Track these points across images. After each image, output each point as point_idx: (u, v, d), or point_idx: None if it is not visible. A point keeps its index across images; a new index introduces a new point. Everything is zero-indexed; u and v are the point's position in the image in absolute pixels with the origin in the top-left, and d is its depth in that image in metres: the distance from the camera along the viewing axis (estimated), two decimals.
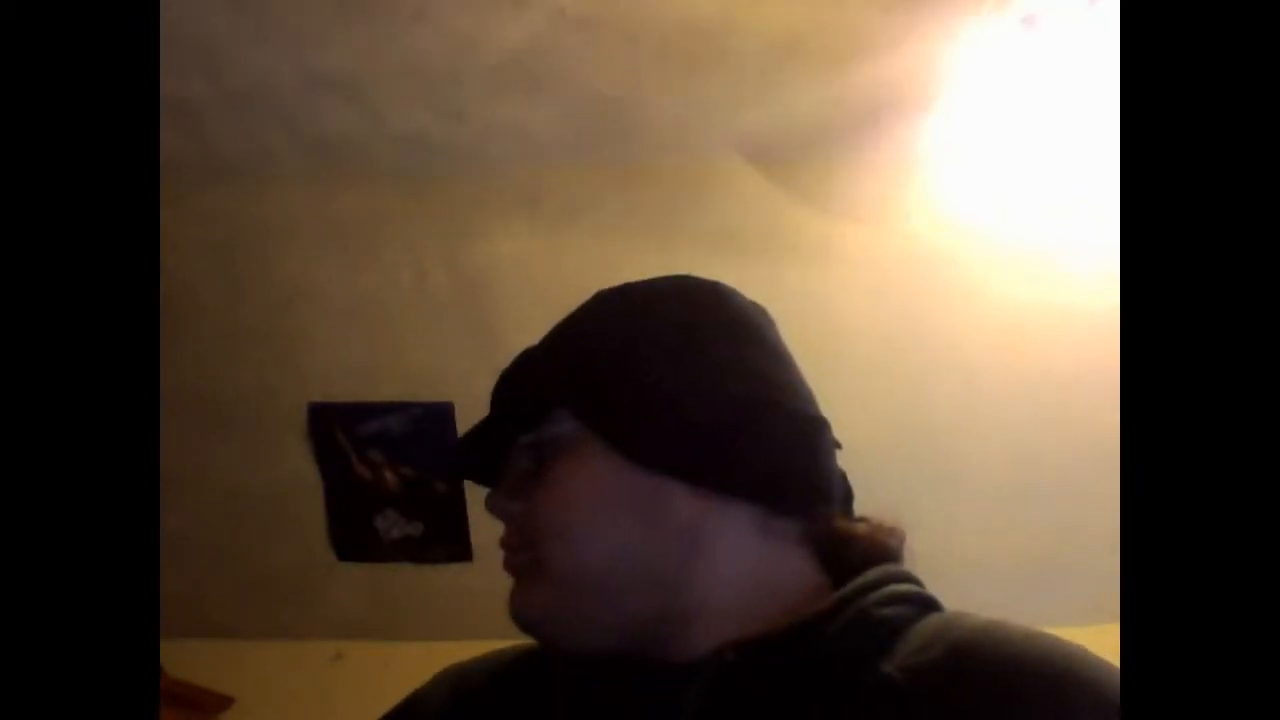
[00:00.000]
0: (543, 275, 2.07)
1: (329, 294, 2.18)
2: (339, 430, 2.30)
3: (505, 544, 0.68)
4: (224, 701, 2.49)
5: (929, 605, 0.65)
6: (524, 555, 0.66)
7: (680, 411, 0.64)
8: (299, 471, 2.37)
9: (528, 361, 0.70)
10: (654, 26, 1.63)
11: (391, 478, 2.38)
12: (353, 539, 2.46)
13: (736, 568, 0.65)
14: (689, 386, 0.65)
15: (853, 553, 0.67)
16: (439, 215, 2.07)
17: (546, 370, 0.68)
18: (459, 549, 2.45)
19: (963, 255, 2.02)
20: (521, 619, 0.66)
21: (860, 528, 0.68)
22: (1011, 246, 2.00)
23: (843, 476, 0.71)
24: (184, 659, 2.30)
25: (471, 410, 2.33)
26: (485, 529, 2.67)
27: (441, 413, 2.26)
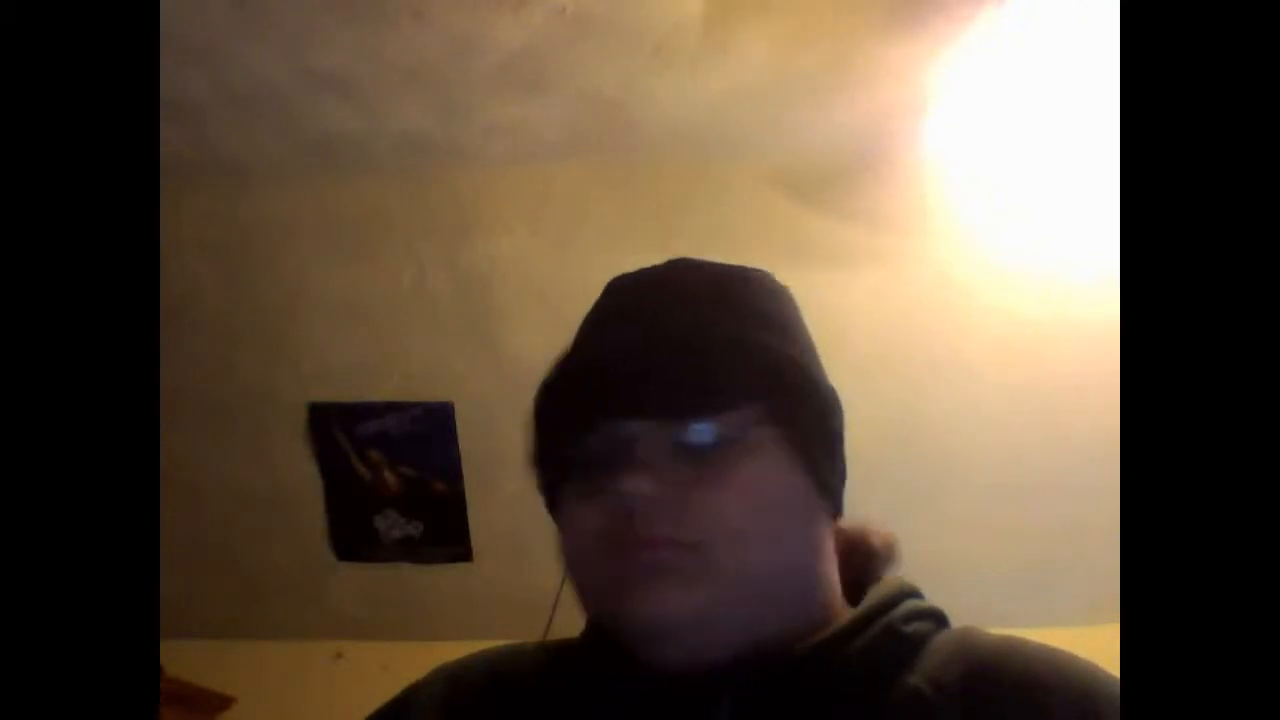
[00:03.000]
0: (543, 275, 2.07)
1: (329, 294, 2.18)
2: (339, 430, 2.30)
3: (649, 538, 0.61)
4: (224, 701, 2.49)
5: (941, 620, 0.66)
6: (682, 553, 0.60)
7: (830, 416, 0.65)
8: (299, 471, 2.37)
9: (685, 345, 0.63)
10: (654, 26, 1.63)
11: (391, 478, 2.38)
12: (353, 539, 2.46)
13: (829, 581, 0.65)
14: (829, 389, 0.66)
15: (863, 561, 0.67)
16: (439, 215, 2.07)
17: (743, 364, 0.62)
18: (459, 549, 2.45)
19: (963, 255, 2.02)
20: (667, 620, 0.59)
21: (873, 537, 0.69)
22: (1013, 246, 2.00)
23: None
24: (184, 659, 2.29)
25: (471, 410, 2.34)
26: (485, 529, 2.67)
27: (441, 413, 2.26)
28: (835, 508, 0.66)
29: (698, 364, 0.62)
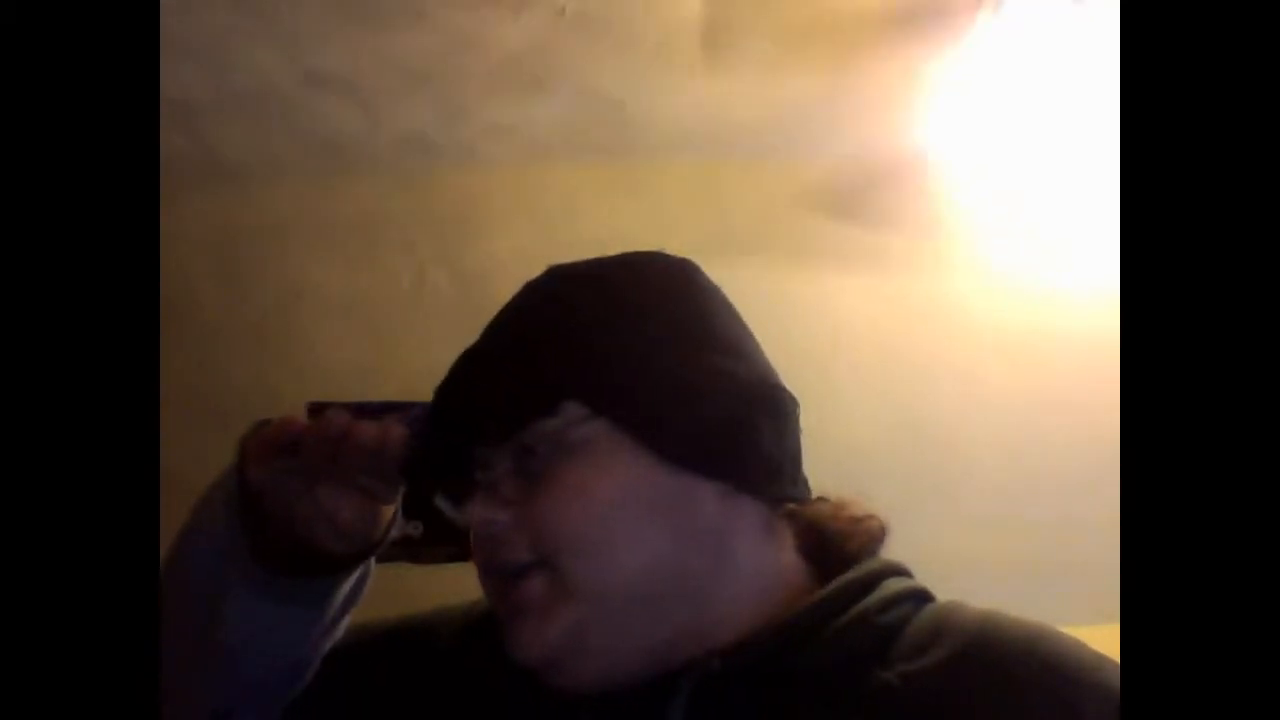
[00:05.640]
0: None
1: (329, 294, 2.17)
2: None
3: (499, 568, 0.59)
4: None
5: (923, 598, 0.62)
6: (536, 580, 0.57)
7: (706, 400, 0.58)
8: None
9: (500, 357, 0.62)
10: (654, 26, 1.63)
11: None
12: None
13: (754, 571, 0.60)
14: (709, 373, 0.59)
15: (839, 543, 0.63)
16: (439, 215, 2.07)
17: (550, 362, 0.60)
18: (459, 549, 2.43)
19: (964, 254, 2.02)
20: (539, 655, 0.57)
21: (844, 515, 0.64)
22: (1012, 246, 2.00)
23: None
24: None
25: None
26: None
27: None
28: (761, 493, 0.60)
29: (496, 377, 0.60)
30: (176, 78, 1.73)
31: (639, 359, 0.59)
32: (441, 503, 0.64)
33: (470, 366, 0.63)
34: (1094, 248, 1.95)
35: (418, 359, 2.27)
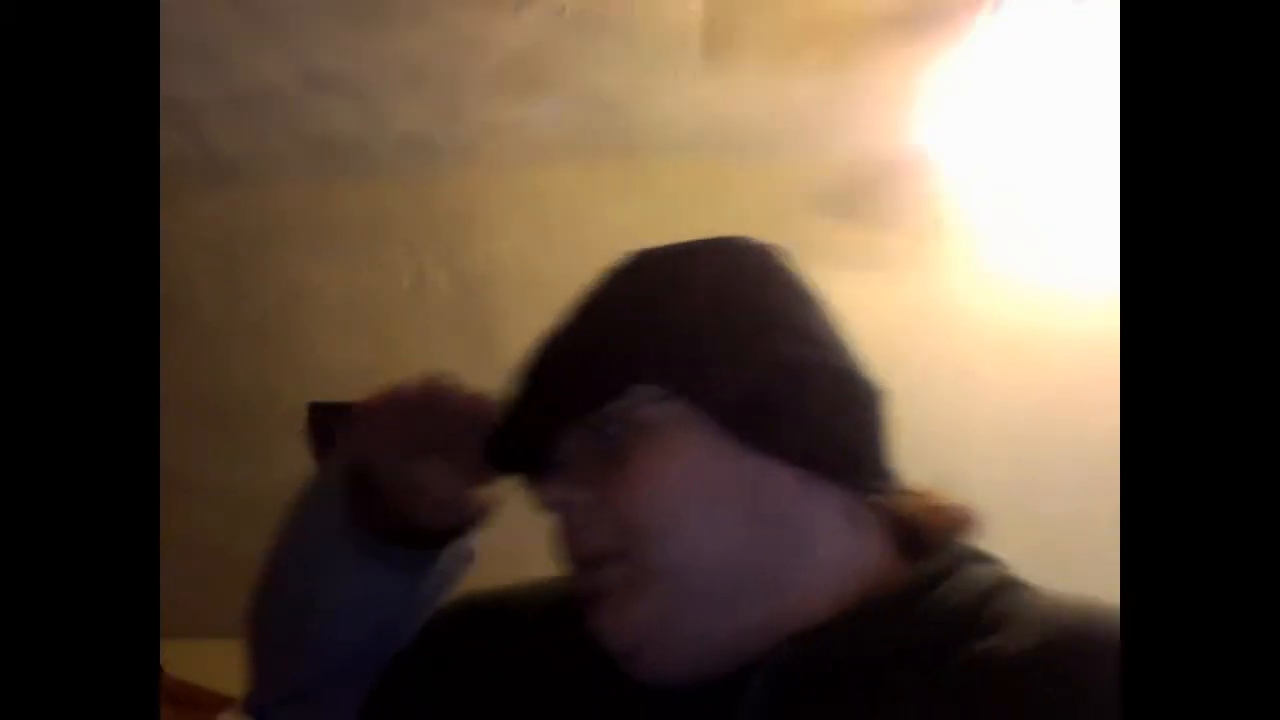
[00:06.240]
0: (543, 275, 2.06)
1: (329, 294, 2.18)
2: (339, 430, 2.30)
3: (578, 551, 0.58)
4: (224, 701, 2.49)
5: (1011, 585, 0.60)
6: (616, 564, 0.56)
7: (781, 384, 0.57)
8: (299, 471, 2.37)
9: (579, 337, 0.61)
10: (654, 27, 1.63)
11: None
12: None
13: (835, 559, 0.58)
14: (786, 358, 0.58)
15: (927, 533, 0.61)
16: (439, 215, 2.07)
17: (627, 342, 0.59)
18: None
19: (963, 254, 2.02)
20: (621, 642, 0.56)
21: (927, 504, 0.62)
22: (1012, 246, 2.00)
23: None
24: (184, 659, 2.29)
25: None
26: (485, 529, 2.66)
27: None
28: (840, 480, 0.59)
29: (574, 356, 0.60)
30: (176, 78, 1.73)
31: (716, 341, 0.58)
32: (520, 484, 0.63)
33: (549, 346, 0.63)
34: (1093, 247, 1.95)
35: (418, 359, 2.29)
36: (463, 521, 0.68)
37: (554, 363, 0.61)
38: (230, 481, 2.39)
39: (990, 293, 2.06)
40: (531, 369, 0.62)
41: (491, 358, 2.29)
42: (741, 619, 0.56)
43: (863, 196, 1.97)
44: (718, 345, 0.58)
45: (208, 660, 2.47)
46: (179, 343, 2.16)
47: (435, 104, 1.82)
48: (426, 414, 0.63)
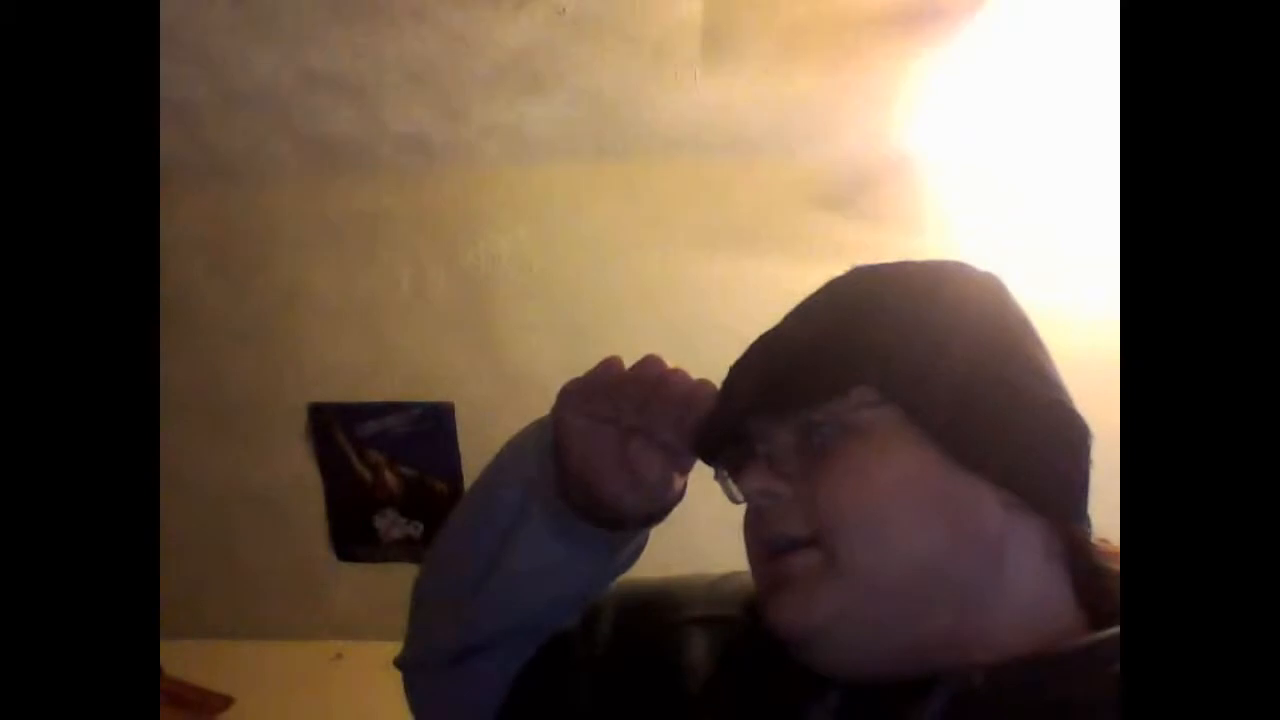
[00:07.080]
0: (543, 275, 2.07)
1: (328, 294, 2.18)
2: (339, 430, 2.30)
3: (772, 539, 0.59)
4: (224, 701, 2.49)
5: None
6: (808, 555, 0.57)
7: (999, 408, 0.58)
8: (299, 471, 2.37)
9: (799, 336, 0.62)
10: (654, 26, 1.63)
11: (391, 478, 2.37)
12: (353, 539, 2.46)
13: (1026, 591, 0.58)
14: (1007, 383, 0.59)
15: (1106, 582, 0.60)
16: (439, 215, 2.07)
17: (849, 343, 0.60)
18: None
19: (961, 253, 2.02)
20: (800, 629, 0.57)
21: (1115, 557, 0.61)
22: (1009, 245, 1.99)
23: None
24: (184, 659, 2.29)
25: (471, 410, 2.34)
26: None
27: (441, 413, 2.26)
28: (1045, 512, 0.59)
29: (793, 353, 0.61)
30: (176, 78, 1.73)
31: (936, 353, 0.59)
32: (718, 474, 0.65)
33: (767, 344, 0.64)
34: (1092, 247, 1.95)
35: (417, 359, 2.29)
36: (662, 508, 0.68)
37: (776, 357, 0.62)
38: (230, 481, 2.39)
39: None
40: (750, 362, 0.63)
41: (491, 358, 2.29)
42: (922, 627, 0.56)
43: (862, 195, 1.97)
44: (946, 362, 0.59)
45: (208, 660, 2.47)
46: (179, 343, 2.16)
47: (434, 104, 1.82)
48: (639, 386, 0.64)
